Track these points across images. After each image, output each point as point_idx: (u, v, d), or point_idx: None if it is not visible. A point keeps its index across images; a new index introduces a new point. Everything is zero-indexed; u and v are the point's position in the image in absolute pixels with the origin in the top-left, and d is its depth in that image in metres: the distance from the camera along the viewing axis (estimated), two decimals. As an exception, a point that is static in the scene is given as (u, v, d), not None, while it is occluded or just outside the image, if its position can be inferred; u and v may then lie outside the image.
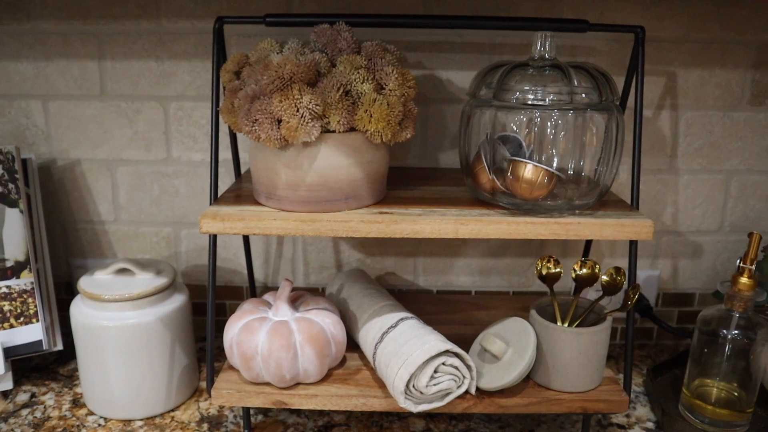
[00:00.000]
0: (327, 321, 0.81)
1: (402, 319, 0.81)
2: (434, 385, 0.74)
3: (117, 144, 1.04)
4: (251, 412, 0.92)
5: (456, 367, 0.75)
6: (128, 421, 0.91)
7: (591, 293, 1.05)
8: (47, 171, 1.06)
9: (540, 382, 0.81)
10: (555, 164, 0.74)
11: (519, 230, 0.73)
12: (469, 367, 0.77)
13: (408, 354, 0.74)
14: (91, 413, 0.92)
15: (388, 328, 0.80)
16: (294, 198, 0.75)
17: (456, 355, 0.76)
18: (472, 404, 0.78)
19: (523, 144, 0.75)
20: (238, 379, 0.82)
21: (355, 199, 0.76)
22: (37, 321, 0.95)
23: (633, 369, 0.84)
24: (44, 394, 0.97)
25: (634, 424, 0.91)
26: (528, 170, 0.72)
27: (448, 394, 0.76)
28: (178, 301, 0.92)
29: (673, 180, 1.04)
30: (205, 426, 0.90)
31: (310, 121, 0.69)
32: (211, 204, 0.80)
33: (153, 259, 0.98)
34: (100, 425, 0.90)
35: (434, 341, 0.75)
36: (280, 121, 0.70)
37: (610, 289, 0.83)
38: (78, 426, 0.89)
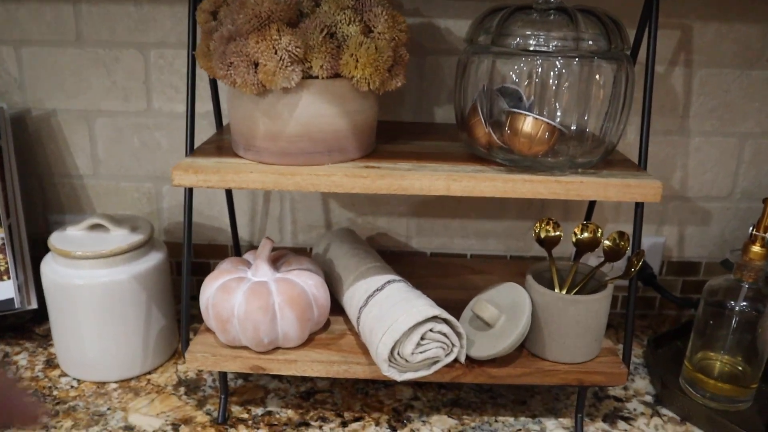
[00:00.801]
0: (309, 282, 0.77)
1: (389, 282, 0.76)
2: (421, 353, 0.70)
3: (94, 94, 0.98)
4: (230, 376, 0.88)
5: (445, 334, 0.71)
6: (102, 383, 0.87)
7: (592, 259, 1.00)
8: (21, 122, 1.00)
9: (534, 352, 0.77)
10: (557, 118, 0.68)
11: (516, 188, 0.67)
12: (459, 334, 0.72)
13: (393, 319, 0.69)
14: (64, 374, 0.88)
15: (374, 291, 0.75)
16: (274, 150, 0.69)
17: (445, 321, 0.71)
18: (462, 373, 0.74)
19: (523, 96, 0.69)
20: (215, 342, 0.77)
21: (339, 152, 0.71)
22: (9, 278, 0.91)
23: (633, 340, 0.79)
24: (17, 354, 0.93)
25: (632, 397, 0.87)
26: (527, 123, 0.66)
27: (435, 363, 0.72)
28: (154, 259, 0.87)
29: (683, 142, 0.98)
30: (182, 390, 0.86)
31: (289, 64, 0.63)
32: (187, 155, 0.74)
33: (130, 215, 0.93)
34: (72, 387, 0.86)
35: (422, 306, 0.70)
36: (257, 65, 0.64)
37: (612, 255, 0.78)
38: (50, 388, 0.85)
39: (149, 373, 0.89)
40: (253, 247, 1.07)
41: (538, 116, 0.66)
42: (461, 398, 0.85)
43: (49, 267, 0.84)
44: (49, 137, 1.01)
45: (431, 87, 0.95)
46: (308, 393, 0.86)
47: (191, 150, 0.76)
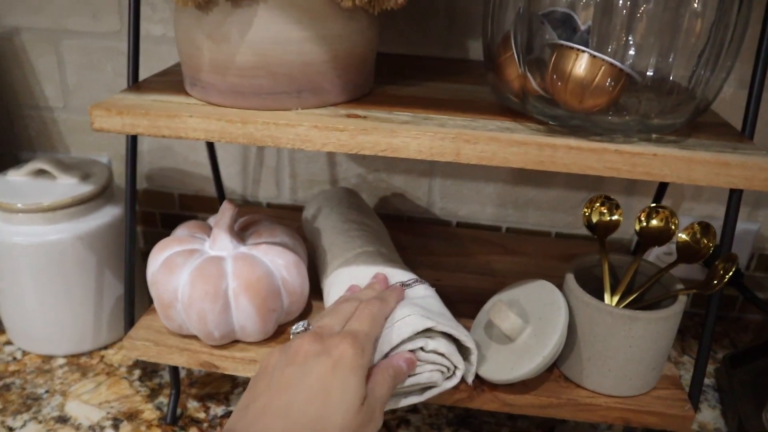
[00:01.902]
0: (279, 262, 0.59)
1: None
2: (409, 376, 0.52)
3: (59, 8, 0.81)
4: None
5: (443, 354, 0.52)
6: (48, 357, 0.74)
7: (660, 255, 0.78)
8: (-19, 40, 0.85)
9: (568, 375, 0.57)
10: (628, 59, 0.46)
11: (555, 158, 0.46)
12: (466, 350, 0.54)
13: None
14: (9, 343, 0.76)
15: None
16: (223, 87, 0.50)
17: (446, 335, 0.52)
18: (467, 396, 0.56)
19: (579, 24, 0.47)
20: (162, 328, 0.62)
21: (313, 92, 0.51)
22: (-49, 225, 0.78)
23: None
24: (-33, 311, 0.81)
25: None
26: (581, 63, 0.45)
27: (429, 388, 0.54)
28: (108, 215, 0.71)
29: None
30: (137, 373, 0.72)
31: (236, -37, 0.44)
32: (125, 89, 0.57)
33: (87, 159, 0.77)
34: (14, 359, 0.73)
35: (412, 317, 0.51)
36: (194, -37, 0.45)
37: (688, 254, 0.57)
38: (-11, 357, 0.73)
39: (105, 348, 0.75)
40: (246, 202, 0.91)
41: (597, 53, 0.44)
42: (472, 416, 0.68)
43: (-16, 218, 0.70)
44: (14, 61, 0.86)
45: (464, 11, 0.73)
46: (284, 391, 0.70)
47: (134, 81, 0.58)
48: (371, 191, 0.85)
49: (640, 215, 0.60)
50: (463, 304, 0.63)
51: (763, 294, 0.84)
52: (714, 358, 0.77)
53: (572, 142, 0.46)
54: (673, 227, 0.59)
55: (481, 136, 0.47)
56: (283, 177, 0.87)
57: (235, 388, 0.70)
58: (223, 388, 0.70)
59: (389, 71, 0.64)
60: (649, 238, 0.60)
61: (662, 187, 0.71)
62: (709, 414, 0.70)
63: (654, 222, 0.59)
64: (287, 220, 0.81)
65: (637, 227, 0.60)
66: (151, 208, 0.93)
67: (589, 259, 0.60)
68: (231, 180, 0.89)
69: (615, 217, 0.61)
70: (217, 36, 0.48)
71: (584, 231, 0.84)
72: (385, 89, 0.58)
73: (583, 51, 0.44)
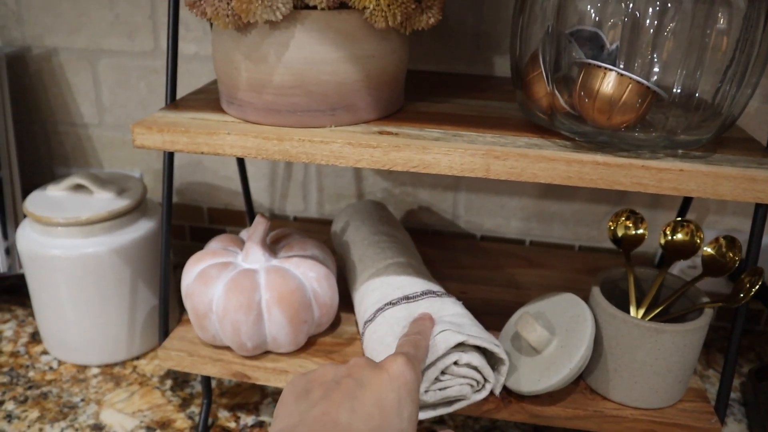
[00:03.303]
0: (310, 275, 0.61)
1: (410, 297, 0.58)
2: (440, 389, 0.53)
3: (96, 29, 0.85)
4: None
5: (475, 368, 0.53)
6: (83, 367, 0.76)
7: (684, 269, 0.79)
8: (21, 61, 0.88)
9: (594, 387, 0.58)
10: (654, 76, 0.47)
11: (583, 174, 0.48)
12: (498, 361, 0.55)
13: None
14: (46, 353, 0.78)
15: (385, 305, 0.58)
16: (259, 104, 0.52)
17: (478, 349, 0.54)
18: (494, 407, 0.57)
19: (606, 42, 0.49)
20: (196, 339, 0.64)
21: (346, 110, 0.53)
22: (-7, 238, 0.81)
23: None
24: (5, 322, 0.83)
25: (723, 445, 0.67)
26: (608, 81, 0.46)
27: (458, 401, 0.55)
28: (143, 228, 0.73)
29: (825, 114, 0.73)
30: (169, 383, 0.73)
31: (275, -12, 0.46)
32: (164, 107, 0.59)
33: (122, 174, 0.80)
34: (51, 368, 0.75)
35: (444, 332, 0.52)
36: (234, -12, 0.47)
37: (714, 267, 0.58)
38: (27, 367, 0.75)
39: (138, 358, 0.77)
40: (274, 215, 0.93)
41: (624, 71, 0.45)
42: (498, 427, 0.68)
43: (24, 233, 0.72)
44: (51, 79, 0.89)
45: (492, 28, 0.75)
46: (312, 401, 0.71)
47: (172, 100, 0.61)
48: (397, 205, 0.87)
49: (665, 229, 0.61)
50: (489, 316, 0.64)
51: (789, 309, 0.84)
52: (739, 372, 0.77)
53: (599, 158, 0.47)
54: (698, 241, 0.59)
55: (511, 152, 0.48)
56: (311, 191, 0.89)
57: (265, 398, 0.71)
58: (253, 398, 0.71)
59: (418, 88, 0.65)
60: (674, 252, 0.60)
61: (687, 201, 0.72)
62: (735, 428, 0.69)
63: (679, 236, 0.60)
64: (315, 234, 0.83)
65: (662, 241, 0.61)
66: (180, 222, 0.95)
67: (615, 272, 0.61)
68: (259, 194, 0.91)
69: (640, 231, 0.61)
70: (255, 56, 0.50)
71: (608, 244, 0.85)
72: (415, 106, 0.60)
73: (611, 69, 0.46)
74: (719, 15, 0.46)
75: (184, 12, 0.81)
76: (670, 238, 0.60)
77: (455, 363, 0.52)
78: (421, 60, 0.77)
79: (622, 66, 0.47)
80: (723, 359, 0.56)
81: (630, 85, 0.46)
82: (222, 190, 0.92)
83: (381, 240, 0.67)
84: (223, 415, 0.69)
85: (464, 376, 0.53)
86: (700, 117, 0.49)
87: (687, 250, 0.60)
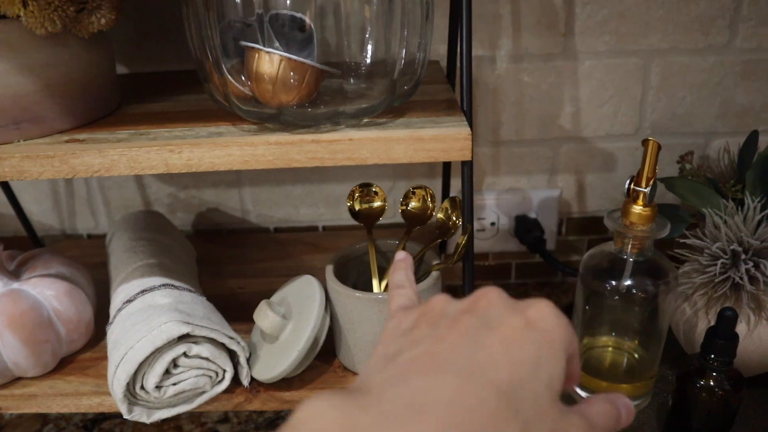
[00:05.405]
0: (47, 293, 0.58)
1: (147, 290, 0.57)
2: (173, 384, 0.52)
3: None
4: None
5: (207, 358, 0.53)
6: None
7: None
8: None
9: (345, 364, 0.59)
10: (347, 47, 0.48)
11: (259, 156, 0.47)
12: (232, 352, 0.54)
13: (129, 345, 0.51)
14: None
15: (124, 303, 0.57)
16: (-73, 126, 0.49)
17: (209, 339, 0.53)
18: (245, 400, 0.56)
19: (307, 24, 0.48)
20: (-64, 379, 0.60)
21: (33, 122, 0.51)
22: None
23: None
24: None
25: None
26: (263, 61, 0.46)
27: (200, 395, 0.54)
28: None
29: (570, 67, 0.77)
30: (-60, 430, 0.69)
31: None
32: None
33: None
34: None
35: (167, 323, 0.51)
36: None
37: (444, 229, 0.59)
38: None
39: None
40: (66, 235, 0.89)
41: (270, 50, 0.45)
42: (281, 417, 0.68)
43: None
44: None
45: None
46: (94, 420, 0.69)
47: None
48: (186, 209, 0.85)
49: (403, 198, 0.62)
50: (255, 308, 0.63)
51: (578, 256, 0.88)
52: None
53: (272, 137, 0.47)
54: (431, 207, 0.61)
55: (185, 144, 0.47)
56: (98, 206, 0.86)
57: (46, 425, 0.68)
58: (34, 427, 0.68)
59: (138, 90, 0.64)
60: (412, 220, 0.61)
61: (447, 167, 0.74)
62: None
63: (413, 204, 0.61)
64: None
65: (401, 210, 0.62)
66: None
67: (360, 247, 0.62)
68: (46, 216, 0.86)
69: (377, 204, 0.62)
70: None
71: (398, 219, 0.86)
72: (130, 108, 0.58)
73: (260, 49, 0.45)
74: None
75: None
76: (405, 207, 0.61)
77: (185, 354, 0.51)
78: (142, 61, 0.75)
79: (315, 46, 0.47)
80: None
81: (282, 63, 0.46)
82: (6, 217, 0.87)
83: (138, 245, 0.66)
84: (-7, 454, 0.65)
85: (198, 368, 0.52)
86: (377, 87, 0.49)
87: (423, 216, 0.61)
